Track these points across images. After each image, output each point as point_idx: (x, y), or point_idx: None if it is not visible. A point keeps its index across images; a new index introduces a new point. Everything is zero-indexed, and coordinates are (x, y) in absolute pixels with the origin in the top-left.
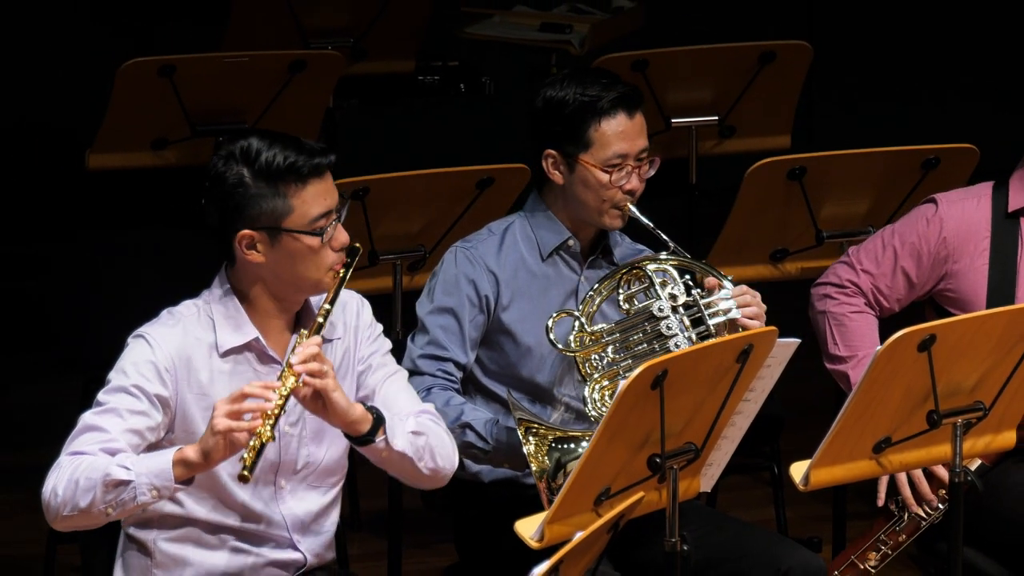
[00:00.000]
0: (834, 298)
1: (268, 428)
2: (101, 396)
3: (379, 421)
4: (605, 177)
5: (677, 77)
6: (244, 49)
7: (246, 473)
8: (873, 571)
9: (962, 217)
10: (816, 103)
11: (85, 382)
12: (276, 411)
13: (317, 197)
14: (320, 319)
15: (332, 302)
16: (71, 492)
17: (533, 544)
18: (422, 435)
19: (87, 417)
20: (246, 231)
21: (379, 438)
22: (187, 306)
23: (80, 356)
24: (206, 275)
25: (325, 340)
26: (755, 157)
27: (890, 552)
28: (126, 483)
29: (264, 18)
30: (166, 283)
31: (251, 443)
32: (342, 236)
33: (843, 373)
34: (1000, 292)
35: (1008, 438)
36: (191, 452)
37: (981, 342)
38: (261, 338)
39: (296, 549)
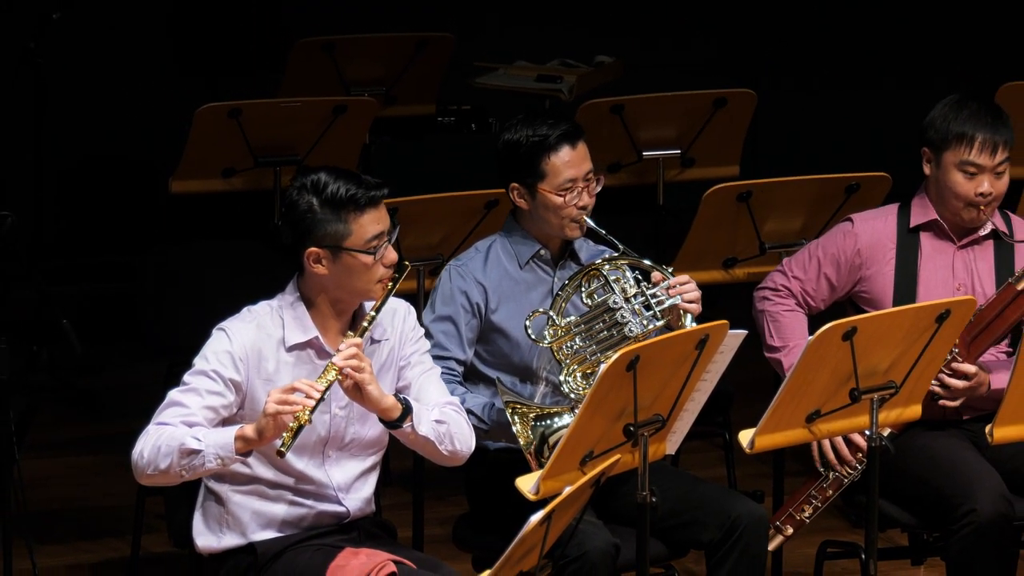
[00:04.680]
0: (770, 299)
1: (307, 413)
2: (186, 377)
3: (407, 410)
4: (560, 200)
5: (648, 118)
6: (297, 95)
7: (283, 450)
8: (808, 520)
9: (873, 232)
10: (760, 138)
11: (168, 366)
12: (317, 401)
13: (372, 223)
14: (365, 323)
15: (378, 310)
16: (154, 456)
17: (530, 497)
18: (444, 423)
19: (173, 393)
20: (313, 248)
21: (407, 424)
22: (263, 306)
23: (163, 345)
24: (264, 277)
25: (374, 340)
26: (710, 183)
27: (820, 505)
28: (197, 452)
29: (313, 71)
30: (232, 285)
31: (291, 425)
32: (391, 255)
33: (778, 360)
34: (904, 292)
35: (915, 410)
36: (249, 430)
37: (894, 333)
38: (320, 337)
39: (341, 504)
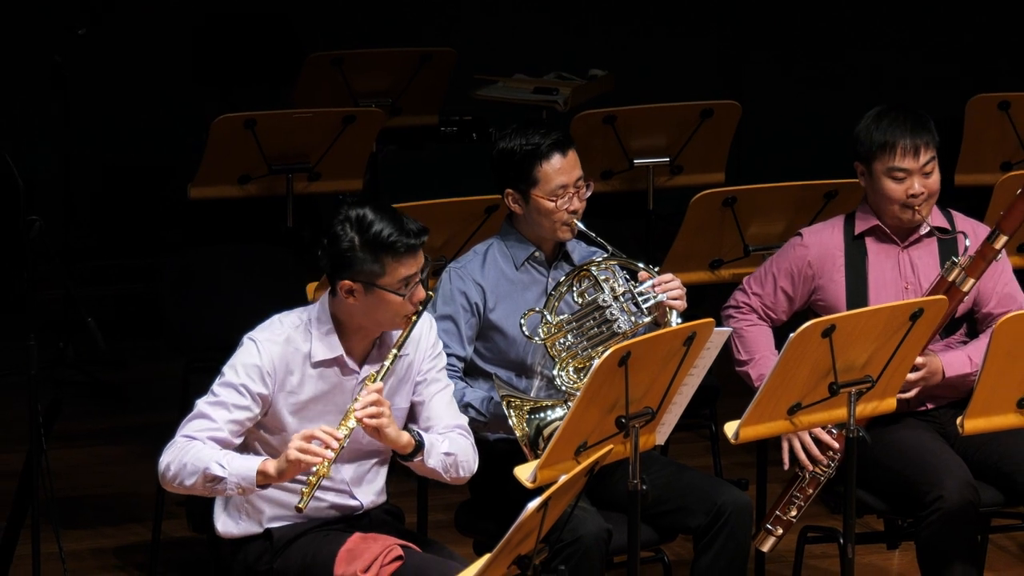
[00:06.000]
0: (734, 316)
1: (326, 466)
2: (215, 387)
3: (419, 447)
4: (552, 204)
5: (638, 128)
6: (308, 107)
7: (300, 506)
8: (795, 520)
9: (821, 243)
10: (744, 147)
11: (187, 362)
12: (335, 452)
13: (407, 267)
14: (387, 363)
15: (400, 346)
16: (179, 471)
17: (528, 485)
18: (452, 455)
19: (201, 404)
20: (348, 282)
21: (417, 458)
22: (293, 318)
23: (182, 342)
24: (276, 279)
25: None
26: (697, 189)
27: (803, 504)
28: (220, 479)
29: (324, 83)
30: (247, 286)
31: (310, 479)
32: (420, 294)
33: (746, 373)
34: (856, 296)
35: (890, 403)
36: (271, 467)
37: (870, 330)
38: (345, 355)
39: (355, 498)
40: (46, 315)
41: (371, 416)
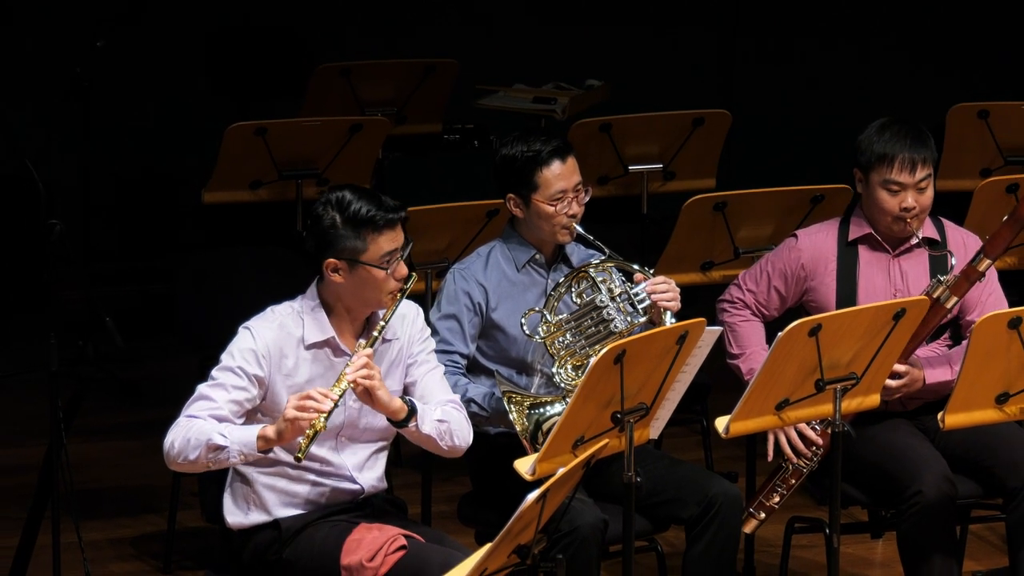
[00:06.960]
0: (728, 311)
1: (322, 420)
2: (214, 372)
3: (412, 411)
4: (552, 209)
5: (633, 135)
6: (317, 115)
7: (299, 456)
8: (777, 506)
9: (815, 246)
10: (734, 153)
11: (200, 360)
12: (330, 408)
13: (387, 241)
14: (376, 332)
15: (387, 319)
16: (183, 446)
17: (527, 477)
18: (445, 422)
19: (202, 388)
20: (332, 260)
21: (412, 424)
22: (285, 307)
23: (196, 340)
24: (286, 279)
25: (385, 340)
26: (690, 194)
27: (785, 492)
28: (222, 448)
29: (331, 93)
30: (258, 286)
31: (308, 432)
32: (402, 270)
33: (737, 366)
34: (846, 301)
35: (874, 399)
36: (270, 431)
37: (855, 329)
38: (336, 337)
39: (356, 483)
40: (66, 315)
41: (362, 378)
